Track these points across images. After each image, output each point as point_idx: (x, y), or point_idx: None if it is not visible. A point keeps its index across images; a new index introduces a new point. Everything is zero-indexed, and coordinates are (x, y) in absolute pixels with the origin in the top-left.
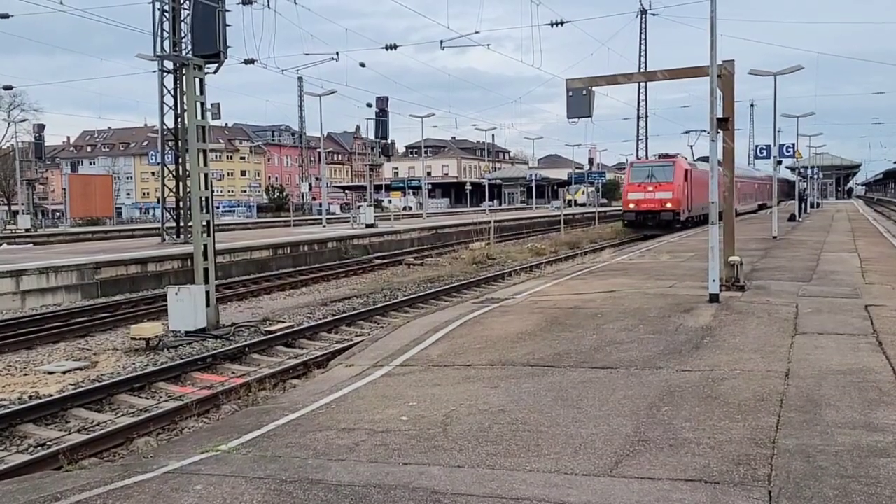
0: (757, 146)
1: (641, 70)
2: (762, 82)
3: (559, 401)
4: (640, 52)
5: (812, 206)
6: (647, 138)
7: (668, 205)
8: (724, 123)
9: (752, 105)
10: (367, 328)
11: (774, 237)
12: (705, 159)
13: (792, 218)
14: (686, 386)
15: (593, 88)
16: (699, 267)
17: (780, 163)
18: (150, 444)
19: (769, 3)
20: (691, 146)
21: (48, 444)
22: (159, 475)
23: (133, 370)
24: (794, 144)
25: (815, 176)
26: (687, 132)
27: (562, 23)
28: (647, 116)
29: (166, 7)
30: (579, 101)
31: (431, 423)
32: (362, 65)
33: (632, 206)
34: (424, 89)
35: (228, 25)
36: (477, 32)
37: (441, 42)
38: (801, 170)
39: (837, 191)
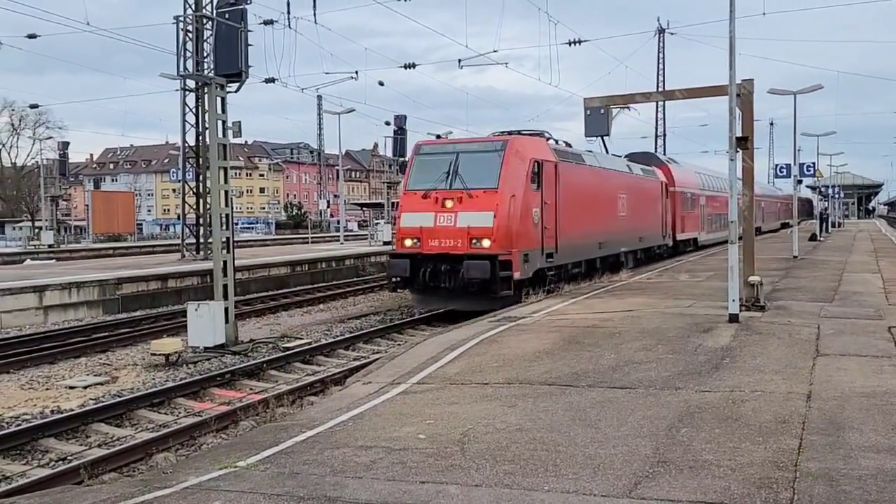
0: (777, 165)
1: (660, 89)
2: (782, 101)
3: (577, 420)
4: (658, 71)
5: (833, 225)
6: None
7: (485, 242)
8: (744, 143)
9: (771, 124)
10: (384, 345)
11: (795, 257)
12: (641, 157)
13: (813, 237)
14: (706, 407)
15: (611, 107)
16: (718, 286)
17: (800, 182)
18: (170, 459)
19: (789, 22)
20: (602, 137)
21: (69, 458)
22: (178, 491)
23: (153, 385)
24: (814, 163)
25: (837, 195)
26: (705, 152)
27: (580, 42)
28: (664, 135)
29: (189, 27)
30: (597, 119)
31: (449, 441)
32: (381, 83)
33: (408, 243)
34: (443, 108)
35: (250, 45)
36: (495, 51)
37: (459, 61)
38: (822, 189)
39: (859, 210)
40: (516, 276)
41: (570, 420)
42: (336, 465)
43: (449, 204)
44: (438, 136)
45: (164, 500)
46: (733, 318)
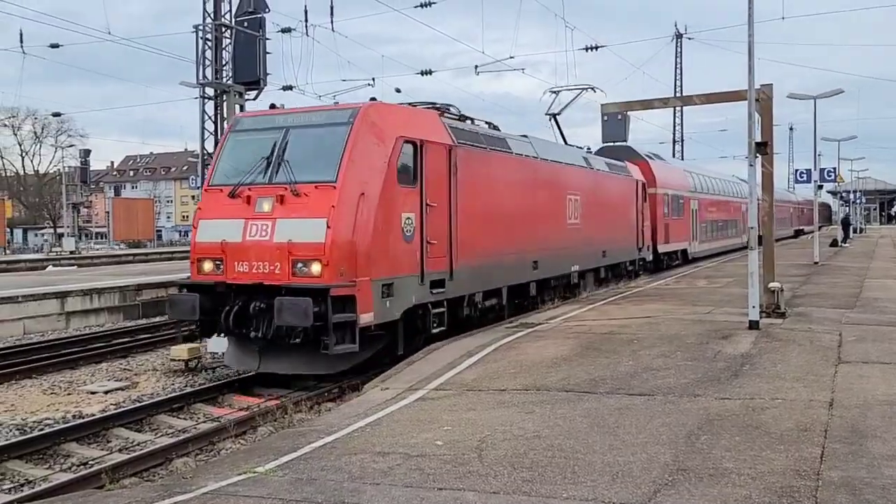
0: (797, 170)
1: (677, 94)
2: (802, 106)
3: (595, 427)
4: (675, 77)
5: (855, 231)
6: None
7: (314, 266)
8: (763, 148)
9: (791, 129)
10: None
11: (816, 263)
12: (614, 151)
13: (834, 243)
14: (726, 414)
15: (629, 113)
16: (737, 293)
17: (820, 187)
18: (189, 464)
19: (808, 26)
20: (554, 116)
21: (91, 462)
22: (198, 496)
23: (172, 391)
24: (835, 168)
25: (858, 200)
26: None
27: (596, 47)
28: (682, 140)
29: (209, 36)
30: (615, 125)
31: (466, 448)
32: (398, 90)
33: (206, 267)
34: None
35: (268, 53)
36: (512, 57)
37: (476, 67)
38: (843, 194)
39: (881, 216)
40: (364, 319)
41: (588, 427)
42: (354, 471)
43: (266, 207)
44: (273, 106)
45: None
46: (753, 325)
